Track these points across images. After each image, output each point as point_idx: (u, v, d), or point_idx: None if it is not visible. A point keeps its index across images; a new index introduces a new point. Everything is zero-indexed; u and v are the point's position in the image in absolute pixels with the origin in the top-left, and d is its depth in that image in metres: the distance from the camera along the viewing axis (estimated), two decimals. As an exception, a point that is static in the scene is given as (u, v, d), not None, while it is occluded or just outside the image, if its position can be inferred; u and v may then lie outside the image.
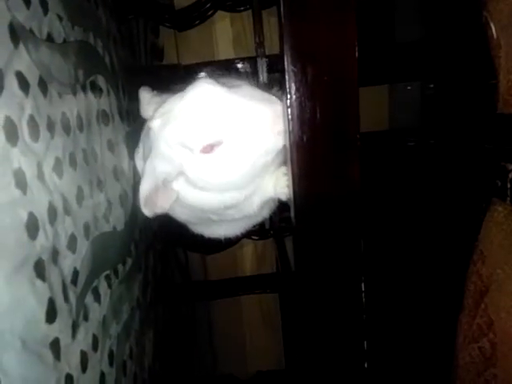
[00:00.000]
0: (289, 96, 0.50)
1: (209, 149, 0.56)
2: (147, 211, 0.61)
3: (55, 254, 0.47)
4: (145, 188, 0.60)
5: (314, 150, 0.52)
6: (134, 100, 0.84)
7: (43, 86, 0.47)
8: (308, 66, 0.50)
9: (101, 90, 0.66)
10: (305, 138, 0.52)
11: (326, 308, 0.55)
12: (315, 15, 0.50)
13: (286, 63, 0.50)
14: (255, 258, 1.50)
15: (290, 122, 0.51)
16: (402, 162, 0.73)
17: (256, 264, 1.51)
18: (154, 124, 0.58)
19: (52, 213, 0.47)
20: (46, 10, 0.49)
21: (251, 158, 0.58)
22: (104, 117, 0.67)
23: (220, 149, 0.56)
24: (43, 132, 0.46)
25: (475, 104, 0.63)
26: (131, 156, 0.79)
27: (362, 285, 0.57)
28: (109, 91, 0.70)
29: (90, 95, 0.61)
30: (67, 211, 0.50)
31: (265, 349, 1.55)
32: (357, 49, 0.50)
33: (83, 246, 0.54)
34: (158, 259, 0.98)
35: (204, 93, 0.56)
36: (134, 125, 0.81)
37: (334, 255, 0.56)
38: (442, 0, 0.74)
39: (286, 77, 0.50)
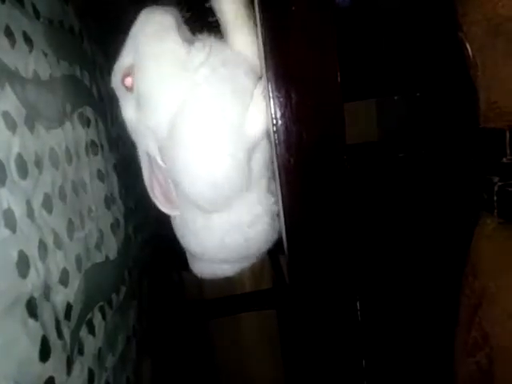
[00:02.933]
0: (274, 121, 0.51)
1: (128, 82, 0.51)
2: (162, 204, 0.55)
3: (47, 291, 0.47)
4: (145, 176, 0.55)
5: (301, 173, 0.52)
6: (123, 126, 0.84)
7: (30, 123, 0.47)
8: (292, 91, 0.51)
9: (89, 120, 0.67)
10: (292, 161, 0.52)
11: (322, 324, 0.55)
12: (297, 41, 0.51)
13: (270, 89, 0.50)
14: (252, 274, 1.49)
15: (277, 146, 0.52)
16: (391, 173, 0.74)
17: (253, 280, 1.50)
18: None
19: (43, 249, 0.47)
20: (30, 48, 0.49)
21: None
22: (93, 147, 0.67)
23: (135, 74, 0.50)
24: (31, 169, 0.46)
25: (458, 118, 0.65)
26: (122, 183, 0.79)
27: (357, 302, 0.57)
28: (97, 121, 0.71)
29: (78, 127, 0.62)
30: (58, 245, 0.50)
31: (264, 367, 1.53)
32: (339, 72, 0.51)
33: (76, 280, 0.54)
34: (153, 283, 0.98)
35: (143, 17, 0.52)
36: (124, 150, 0.82)
37: (327, 274, 0.56)
38: (420, 18, 0.75)
39: (271, 102, 0.50)
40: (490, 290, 0.53)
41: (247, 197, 0.56)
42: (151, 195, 0.55)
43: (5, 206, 0.41)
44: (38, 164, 0.48)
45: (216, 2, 0.55)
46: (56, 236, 0.50)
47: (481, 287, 0.56)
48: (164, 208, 0.55)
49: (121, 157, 0.80)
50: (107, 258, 0.66)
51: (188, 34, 0.54)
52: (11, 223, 0.41)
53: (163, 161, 0.53)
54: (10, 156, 0.43)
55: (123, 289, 0.73)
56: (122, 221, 0.76)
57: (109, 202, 0.71)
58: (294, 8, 0.51)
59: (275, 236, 0.62)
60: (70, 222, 0.54)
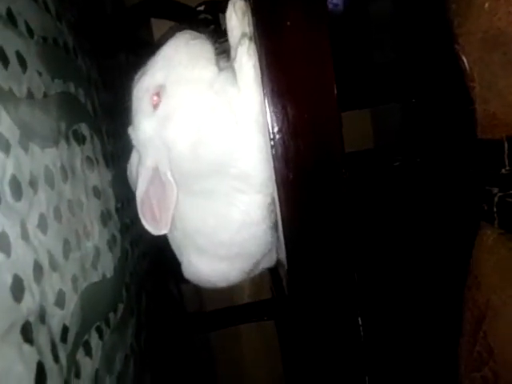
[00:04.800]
0: (272, 136, 0.51)
1: (156, 100, 0.53)
2: (147, 222, 0.55)
3: (43, 314, 0.46)
4: (140, 190, 0.55)
5: (300, 187, 0.52)
6: (119, 140, 0.84)
7: (24, 143, 0.46)
8: (288, 105, 0.51)
9: (84, 137, 0.66)
10: (291, 176, 0.52)
11: (322, 338, 0.54)
12: (293, 55, 0.51)
13: (267, 104, 0.50)
14: (252, 284, 1.48)
15: (275, 162, 0.51)
16: (388, 183, 0.74)
17: (253, 290, 1.49)
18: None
19: (38, 271, 0.46)
20: (24, 68, 0.49)
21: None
22: (89, 163, 0.66)
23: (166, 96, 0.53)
24: (26, 189, 0.46)
25: (455, 128, 0.64)
26: (118, 197, 0.78)
27: (359, 318, 0.56)
28: (92, 137, 0.70)
29: (74, 144, 0.61)
30: (54, 267, 0.49)
31: (265, 375, 1.52)
32: (335, 85, 0.51)
33: (72, 301, 0.53)
34: (151, 298, 0.96)
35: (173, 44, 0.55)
36: (120, 165, 0.81)
37: (327, 287, 0.55)
38: (416, 28, 0.75)
39: (268, 118, 0.50)
40: (493, 303, 0.53)
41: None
42: (139, 211, 0.56)
43: (-1, 229, 0.40)
44: (33, 184, 0.47)
45: (226, 22, 0.56)
46: (51, 257, 0.49)
47: (484, 300, 0.55)
48: (149, 226, 0.56)
49: (116, 171, 0.80)
50: (104, 276, 0.65)
51: (222, 60, 0.57)
52: (6, 247, 0.40)
53: (173, 175, 0.55)
54: (4, 178, 0.42)
55: (121, 306, 0.72)
56: (118, 236, 0.75)
57: (105, 218, 0.70)
58: (289, 23, 0.51)
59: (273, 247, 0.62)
60: (66, 242, 0.54)
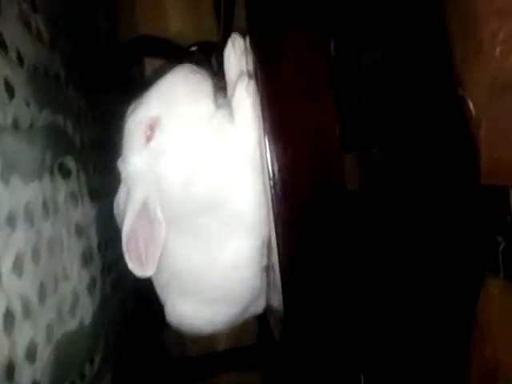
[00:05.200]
0: (271, 176, 0.48)
1: (149, 133, 0.51)
2: (132, 261, 0.52)
3: (11, 369, 0.40)
4: (127, 225, 0.52)
5: (299, 226, 0.50)
6: (105, 175, 0.80)
7: (5, 177, 0.42)
8: (289, 144, 0.49)
9: (69, 171, 0.62)
10: (290, 215, 0.50)
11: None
12: (294, 93, 0.50)
13: (266, 142, 0.48)
14: (236, 329, 1.41)
15: (274, 202, 0.49)
16: (391, 227, 0.71)
17: (236, 335, 1.42)
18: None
19: (9, 320, 0.40)
20: (11, 96, 0.46)
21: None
22: (73, 199, 0.62)
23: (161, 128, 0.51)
24: (3, 227, 0.41)
25: (457, 175, 0.63)
26: (101, 236, 0.74)
27: (361, 375, 0.53)
28: (78, 171, 0.66)
29: (58, 178, 0.57)
30: (27, 314, 0.44)
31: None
32: (338, 124, 0.50)
33: (45, 353, 0.47)
34: (131, 346, 0.89)
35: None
36: (105, 201, 0.77)
37: (325, 336, 0.52)
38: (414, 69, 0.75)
39: (268, 157, 0.48)
40: (504, 360, 0.50)
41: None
42: (124, 249, 0.53)
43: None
44: (11, 222, 0.43)
45: (224, 59, 0.56)
46: (25, 304, 0.44)
47: (493, 355, 0.52)
48: (134, 267, 0.53)
49: (101, 207, 0.75)
50: (81, 322, 0.59)
51: (220, 97, 0.56)
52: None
53: (163, 212, 0.52)
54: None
55: (97, 357, 0.65)
56: (99, 279, 0.70)
57: (86, 258, 0.65)
58: (290, 60, 0.50)
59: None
60: (43, 286, 0.48)
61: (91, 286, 0.65)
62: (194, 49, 1.22)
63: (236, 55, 0.56)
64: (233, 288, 0.58)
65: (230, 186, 0.53)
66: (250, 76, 0.53)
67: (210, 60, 1.08)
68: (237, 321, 0.64)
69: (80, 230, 0.63)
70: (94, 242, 0.70)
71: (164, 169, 0.52)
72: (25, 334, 0.43)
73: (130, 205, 0.53)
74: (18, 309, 0.42)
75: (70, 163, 0.63)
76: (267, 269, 0.59)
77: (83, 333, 0.59)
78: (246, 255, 0.56)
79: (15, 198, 0.44)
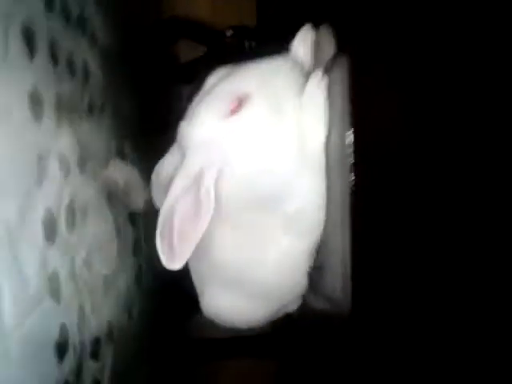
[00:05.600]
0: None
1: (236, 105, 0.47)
2: (163, 249, 0.42)
3: (79, 371, 0.38)
4: (170, 197, 0.43)
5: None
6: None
7: (82, 165, 0.40)
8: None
9: (126, 155, 0.59)
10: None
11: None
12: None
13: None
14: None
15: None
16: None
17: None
18: None
19: (81, 318, 0.38)
20: (86, 79, 0.43)
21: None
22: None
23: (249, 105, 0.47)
24: (79, 220, 0.39)
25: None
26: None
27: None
28: (134, 155, 0.63)
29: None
30: (93, 309, 0.42)
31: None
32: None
33: (107, 351, 0.45)
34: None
35: None
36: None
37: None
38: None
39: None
40: None
41: None
42: (158, 231, 0.42)
43: (50, 269, 0.33)
44: (84, 214, 0.40)
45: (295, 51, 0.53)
46: (93, 298, 0.42)
47: None
48: (162, 255, 0.42)
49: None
50: (130, 317, 0.57)
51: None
52: (55, 291, 0.33)
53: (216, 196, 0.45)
54: (61, 206, 0.35)
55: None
56: (144, 268, 0.68)
57: (137, 248, 0.63)
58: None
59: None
60: (106, 278, 0.46)
61: (139, 276, 0.63)
62: (228, 33, 1.18)
63: (309, 47, 0.53)
64: (277, 287, 0.57)
65: (293, 185, 0.50)
66: (325, 70, 0.51)
67: (243, 44, 1.05)
68: (272, 318, 0.62)
69: (133, 220, 0.61)
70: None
71: (237, 148, 0.47)
72: (91, 331, 0.41)
73: (179, 173, 0.45)
74: (87, 305, 0.40)
75: (127, 148, 0.60)
76: (317, 269, 0.57)
77: (133, 328, 0.58)
78: (296, 256, 0.53)
79: (88, 189, 0.42)
